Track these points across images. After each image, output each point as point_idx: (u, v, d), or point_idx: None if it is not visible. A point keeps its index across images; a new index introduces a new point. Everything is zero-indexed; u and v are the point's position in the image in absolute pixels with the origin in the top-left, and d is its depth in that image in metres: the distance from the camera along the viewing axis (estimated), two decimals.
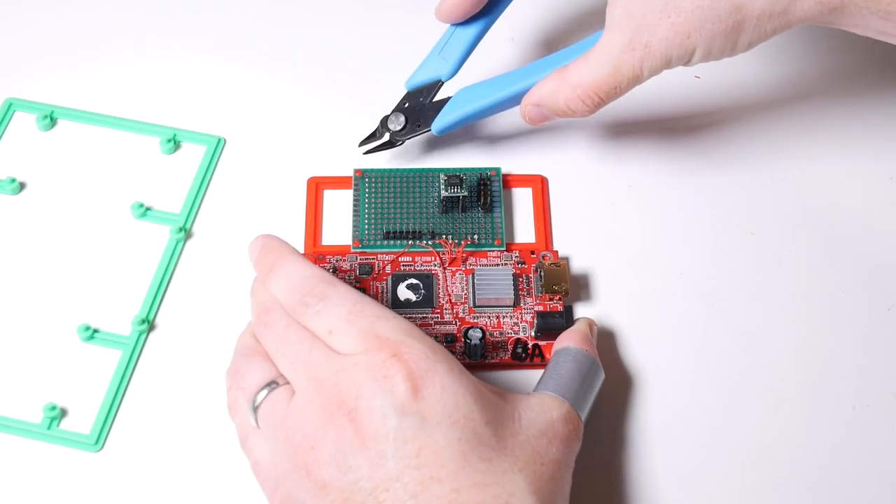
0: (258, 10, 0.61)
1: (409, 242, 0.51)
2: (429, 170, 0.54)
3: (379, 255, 0.51)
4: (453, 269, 0.51)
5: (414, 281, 0.50)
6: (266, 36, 0.60)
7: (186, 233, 0.52)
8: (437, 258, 0.51)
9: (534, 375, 0.46)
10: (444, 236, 0.51)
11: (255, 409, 0.41)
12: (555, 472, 0.40)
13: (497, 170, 0.54)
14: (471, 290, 0.50)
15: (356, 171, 0.53)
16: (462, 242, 0.51)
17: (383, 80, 0.58)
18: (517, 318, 0.49)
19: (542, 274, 0.49)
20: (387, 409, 0.38)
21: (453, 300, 0.50)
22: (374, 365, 0.39)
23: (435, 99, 0.52)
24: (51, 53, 0.59)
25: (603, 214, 0.53)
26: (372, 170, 0.53)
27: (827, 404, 0.48)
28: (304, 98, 0.58)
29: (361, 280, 0.50)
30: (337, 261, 0.51)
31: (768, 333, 0.50)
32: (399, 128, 0.52)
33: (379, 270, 0.51)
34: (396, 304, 0.50)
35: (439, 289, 0.50)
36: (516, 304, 0.49)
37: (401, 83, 0.54)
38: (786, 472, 0.46)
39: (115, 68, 0.58)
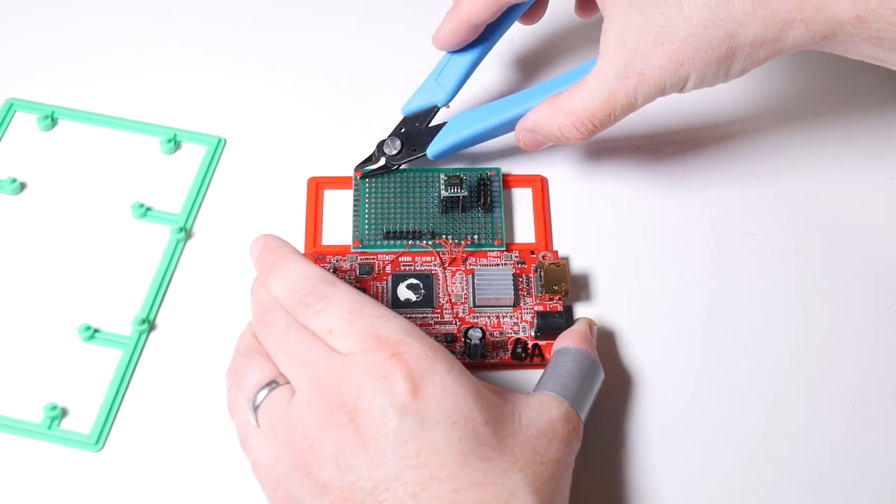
0: (258, 10, 0.61)
1: (410, 242, 0.51)
2: (429, 170, 0.54)
3: (379, 255, 0.51)
4: (453, 269, 0.51)
5: (414, 281, 0.50)
6: (266, 36, 0.60)
7: (186, 233, 0.53)
8: (438, 258, 0.51)
9: (534, 375, 0.46)
10: (444, 236, 0.51)
11: (255, 408, 0.41)
12: (555, 471, 0.40)
13: (497, 170, 0.54)
14: (471, 290, 0.50)
15: (356, 171, 0.54)
16: (462, 242, 0.51)
17: (384, 80, 0.58)
18: (517, 318, 0.49)
19: (542, 274, 0.49)
20: (387, 408, 0.38)
21: (453, 300, 0.50)
22: (374, 365, 0.39)
23: (431, 124, 0.53)
24: (51, 53, 0.59)
25: (603, 214, 0.53)
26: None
27: (827, 404, 0.48)
28: (304, 98, 0.58)
29: (361, 280, 0.50)
30: (337, 261, 0.51)
31: (768, 333, 0.50)
32: (395, 152, 0.53)
33: (379, 270, 0.51)
34: (396, 304, 0.50)
35: (439, 289, 0.50)
36: (516, 304, 0.49)
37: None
38: (786, 472, 0.46)
39: (115, 68, 0.58)
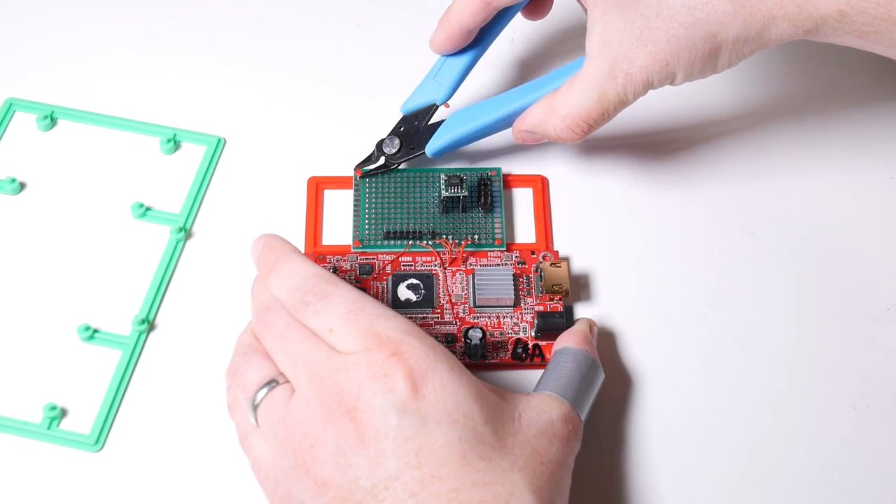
0: (258, 10, 0.61)
1: (410, 242, 0.51)
2: (429, 170, 0.54)
3: (379, 255, 0.51)
4: (454, 269, 0.51)
5: (414, 281, 0.50)
6: (266, 36, 0.60)
7: (186, 233, 0.52)
8: (438, 258, 0.51)
9: (534, 375, 0.46)
10: (444, 236, 0.51)
11: (255, 407, 0.41)
12: (554, 471, 0.40)
13: (497, 170, 0.54)
14: (471, 290, 0.50)
15: (356, 170, 0.53)
16: (462, 242, 0.51)
17: (383, 80, 0.58)
18: (517, 319, 0.49)
19: (543, 274, 0.49)
20: (387, 407, 0.38)
21: (453, 300, 0.50)
22: (374, 364, 0.39)
23: (429, 122, 0.53)
24: (51, 53, 0.59)
25: (603, 215, 0.53)
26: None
27: (827, 404, 0.48)
28: (304, 98, 0.58)
29: (362, 280, 0.50)
30: (337, 261, 0.51)
31: (768, 333, 0.50)
32: (394, 151, 0.53)
33: (379, 270, 0.51)
34: (397, 304, 0.50)
35: (440, 289, 0.50)
36: (516, 304, 0.49)
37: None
38: (786, 472, 0.46)
39: (115, 68, 0.58)
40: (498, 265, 0.51)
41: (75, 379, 0.48)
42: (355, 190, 0.53)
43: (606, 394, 0.47)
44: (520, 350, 0.48)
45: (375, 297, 0.50)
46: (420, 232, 0.52)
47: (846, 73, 0.58)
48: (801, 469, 0.46)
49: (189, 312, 0.50)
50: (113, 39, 0.60)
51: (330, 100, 0.57)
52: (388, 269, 0.51)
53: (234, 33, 0.60)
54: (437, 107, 0.53)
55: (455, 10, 0.51)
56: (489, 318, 0.49)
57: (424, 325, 0.49)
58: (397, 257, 0.51)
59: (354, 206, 0.53)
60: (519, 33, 0.59)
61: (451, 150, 0.53)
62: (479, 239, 0.51)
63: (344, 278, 0.50)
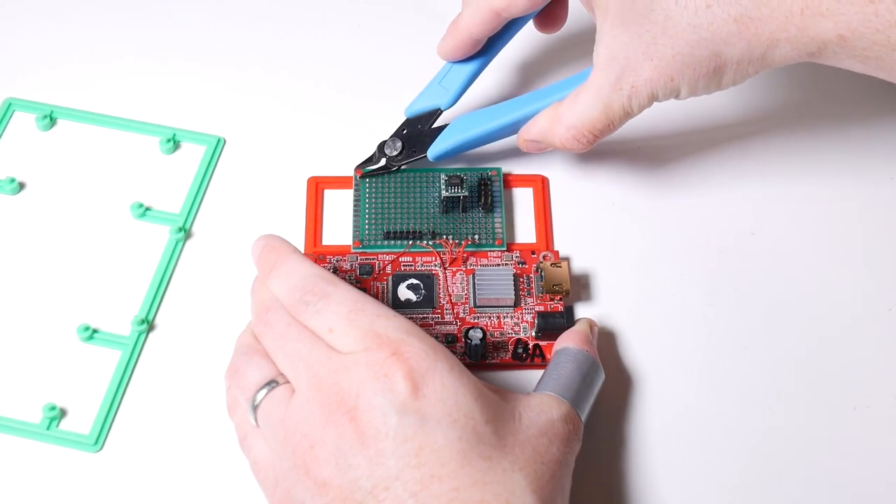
0: (258, 10, 0.61)
1: (410, 242, 0.51)
2: (429, 170, 0.54)
3: (379, 256, 0.51)
4: (454, 269, 0.51)
5: (414, 281, 0.50)
6: (266, 36, 0.60)
7: (186, 233, 0.52)
8: (438, 258, 0.51)
9: (534, 376, 0.46)
10: (444, 236, 0.51)
11: (255, 408, 0.41)
12: (555, 471, 0.40)
13: (498, 170, 0.54)
14: (471, 290, 0.50)
15: (357, 170, 0.53)
16: (463, 242, 0.51)
17: (384, 80, 0.58)
18: (518, 319, 0.49)
19: (543, 274, 0.49)
20: (387, 407, 0.38)
21: (454, 300, 0.50)
22: (374, 363, 0.39)
23: (433, 126, 0.53)
24: (51, 53, 0.59)
25: (603, 215, 0.53)
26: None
27: (827, 404, 0.48)
28: (304, 98, 0.58)
29: (362, 280, 0.50)
30: (337, 261, 0.51)
31: (768, 333, 0.50)
32: (396, 153, 0.53)
33: (379, 270, 0.51)
34: (397, 305, 0.50)
35: (440, 289, 0.50)
36: (517, 304, 0.49)
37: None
38: (786, 472, 0.46)
39: (115, 68, 0.58)
40: (498, 265, 0.51)
41: (75, 379, 0.48)
42: (355, 190, 0.53)
43: (606, 394, 0.47)
44: (520, 350, 0.48)
45: (375, 297, 0.50)
46: (420, 232, 0.52)
47: (849, 76, 0.58)
48: (802, 469, 0.46)
49: (189, 312, 0.50)
50: (113, 39, 0.60)
51: (330, 100, 0.57)
52: (389, 269, 0.51)
53: (234, 33, 0.60)
54: (442, 112, 0.53)
55: (464, 19, 0.51)
56: (489, 318, 0.49)
57: (425, 326, 0.49)
58: (397, 257, 0.51)
59: (354, 206, 0.53)
60: (526, 41, 0.59)
61: (453, 155, 0.53)
62: (479, 239, 0.51)
63: (344, 278, 0.50)
